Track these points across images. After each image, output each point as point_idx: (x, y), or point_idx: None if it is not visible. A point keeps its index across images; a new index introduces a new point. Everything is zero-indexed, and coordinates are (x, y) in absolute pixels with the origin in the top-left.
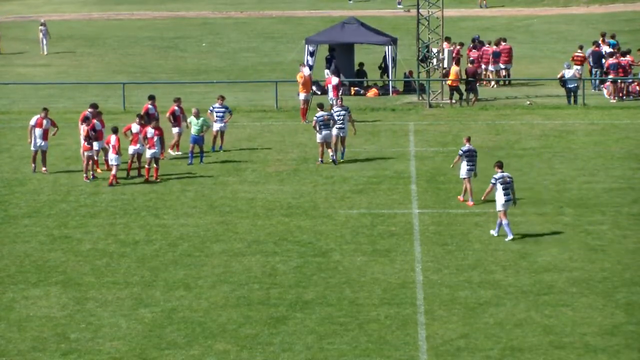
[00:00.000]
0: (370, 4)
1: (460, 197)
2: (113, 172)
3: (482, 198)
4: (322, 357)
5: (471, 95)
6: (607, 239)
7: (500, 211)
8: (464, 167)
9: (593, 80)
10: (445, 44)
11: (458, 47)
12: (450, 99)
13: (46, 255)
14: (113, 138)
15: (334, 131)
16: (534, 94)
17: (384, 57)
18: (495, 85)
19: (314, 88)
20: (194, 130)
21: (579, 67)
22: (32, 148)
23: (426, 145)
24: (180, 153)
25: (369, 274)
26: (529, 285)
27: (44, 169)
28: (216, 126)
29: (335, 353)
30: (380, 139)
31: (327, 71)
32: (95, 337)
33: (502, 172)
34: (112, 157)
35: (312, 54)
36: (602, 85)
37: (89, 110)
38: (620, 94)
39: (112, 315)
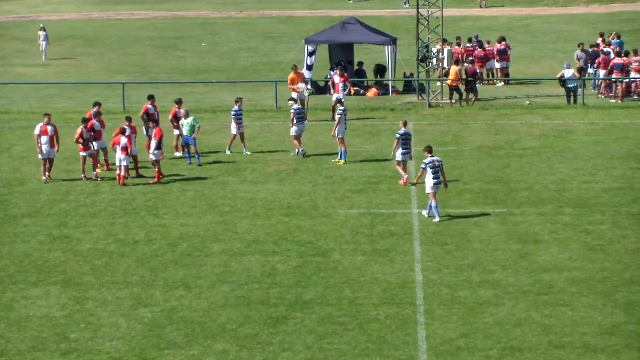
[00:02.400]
0: (370, 4)
1: (402, 182)
2: (123, 173)
3: (415, 181)
4: (322, 357)
5: (471, 95)
6: (607, 239)
7: (429, 193)
8: (399, 150)
9: (593, 81)
10: (441, 45)
11: (456, 47)
12: (450, 99)
13: (46, 255)
14: (124, 140)
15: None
16: (534, 94)
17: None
18: (502, 84)
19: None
20: (185, 131)
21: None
22: (41, 157)
23: (426, 145)
24: (181, 154)
25: (369, 274)
26: (529, 285)
27: (47, 174)
28: (235, 129)
29: (335, 353)
30: (380, 139)
31: (330, 72)
32: (95, 337)
33: (432, 156)
34: (122, 157)
35: (311, 54)
36: (602, 86)
37: (94, 110)
38: (624, 94)
39: (112, 315)
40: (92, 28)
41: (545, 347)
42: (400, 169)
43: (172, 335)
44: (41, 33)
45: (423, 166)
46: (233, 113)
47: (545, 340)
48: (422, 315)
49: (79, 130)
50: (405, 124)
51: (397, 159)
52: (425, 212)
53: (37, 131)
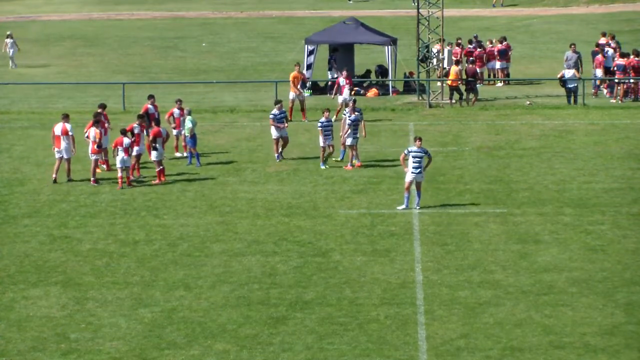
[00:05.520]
0: (370, 4)
1: (350, 166)
2: (126, 174)
3: (403, 167)
4: (322, 357)
5: (471, 95)
6: (607, 239)
7: (407, 181)
8: (350, 135)
9: (593, 81)
10: (438, 45)
11: (457, 48)
12: (450, 99)
13: (46, 255)
14: (126, 140)
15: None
16: (534, 94)
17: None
18: (502, 84)
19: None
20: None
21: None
22: (67, 155)
23: (426, 145)
24: (181, 154)
25: (369, 274)
26: (529, 285)
27: (56, 175)
28: (322, 141)
29: (335, 353)
30: (380, 139)
31: (329, 72)
32: (95, 337)
33: (420, 147)
34: (126, 158)
35: (311, 53)
36: (602, 86)
37: (99, 110)
38: (632, 95)
39: (112, 315)
40: (92, 28)
41: (545, 347)
42: (351, 154)
43: (172, 335)
44: (8, 40)
45: (406, 152)
46: (319, 125)
47: (545, 340)
48: (422, 315)
49: (98, 131)
50: (353, 110)
51: (348, 144)
52: (401, 207)
53: (73, 131)
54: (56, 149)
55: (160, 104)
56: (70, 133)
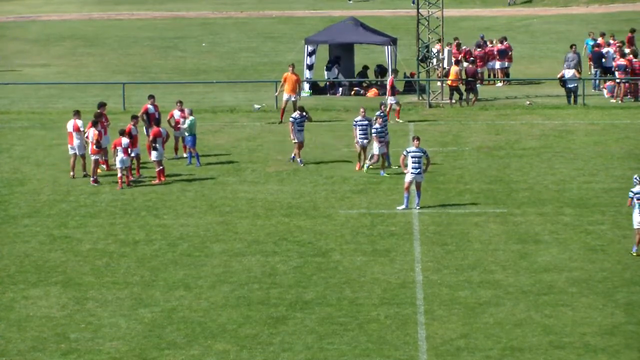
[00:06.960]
0: (370, 4)
1: (362, 165)
2: (125, 173)
3: (403, 169)
4: (322, 357)
5: (471, 95)
6: (607, 239)
7: (406, 182)
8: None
9: (593, 80)
10: (438, 45)
11: (455, 47)
12: (450, 99)
13: (46, 255)
14: (125, 141)
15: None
16: (534, 94)
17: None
18: (502, 84)
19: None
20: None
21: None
22: (80, 152)
23: (426, 145)
24: (177, 155)
25: (369, 274)
26: (529, 285)
27: (84, 173)
28: (377, 149)
29: (335, 353)
30: None
31: (326, 72)
32: (95, 337)
33: (418, 147)
34: (125, 159)
35: (311, 54)
36: (602, 86)
37: (99, 110)
38: (630, 95)
39: (112, 315)
40: (92, 28)
41: (545, 347)
42: (361, 153)
43: (172, 335)
44: None
45: (405, 153)
46: (374, 131)
47: (545, 340)
48: (422, 315)
49: (96, 132)
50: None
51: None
52: (401, 207)
53: (87, 128)
54: (70, 146)
55: (160, 104)
56: (81, 129)
